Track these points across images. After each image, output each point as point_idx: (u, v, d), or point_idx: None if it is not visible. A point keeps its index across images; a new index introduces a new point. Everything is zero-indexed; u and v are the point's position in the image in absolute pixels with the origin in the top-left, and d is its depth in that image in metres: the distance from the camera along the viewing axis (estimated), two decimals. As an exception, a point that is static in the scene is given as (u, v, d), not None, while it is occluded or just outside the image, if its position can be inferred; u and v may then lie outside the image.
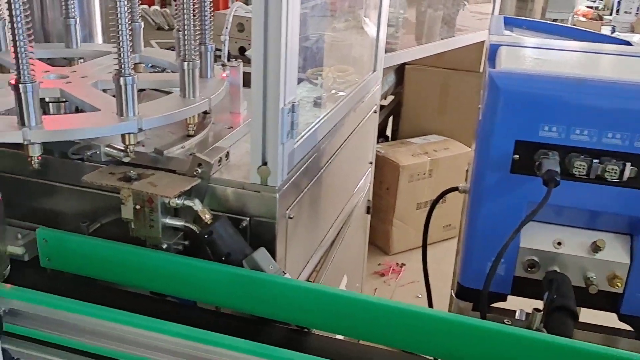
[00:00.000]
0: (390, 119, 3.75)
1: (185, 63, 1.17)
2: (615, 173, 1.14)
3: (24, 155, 1.04)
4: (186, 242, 1.18)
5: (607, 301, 1.27)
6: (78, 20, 1.49)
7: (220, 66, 1.39)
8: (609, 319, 1.31)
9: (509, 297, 1.35)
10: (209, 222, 1.11)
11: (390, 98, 3.62)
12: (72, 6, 1.47)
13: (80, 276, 1.17)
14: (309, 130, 1.34)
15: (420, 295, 2.89)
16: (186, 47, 1.17)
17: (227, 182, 1.16)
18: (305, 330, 1.09)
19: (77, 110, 1.24)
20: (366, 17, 2.05)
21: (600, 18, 8.76)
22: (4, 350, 1.02)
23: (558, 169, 1.14)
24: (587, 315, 1.32)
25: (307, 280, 1.44)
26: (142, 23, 1.47)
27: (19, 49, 0.96)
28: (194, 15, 1.18)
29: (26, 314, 1.00)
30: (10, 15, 0.95)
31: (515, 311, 1.41)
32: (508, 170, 1.21)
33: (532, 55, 1.41)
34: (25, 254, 1.20)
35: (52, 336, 0.99)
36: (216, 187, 1.16)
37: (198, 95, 1.19)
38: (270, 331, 1.08)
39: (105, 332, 0.97)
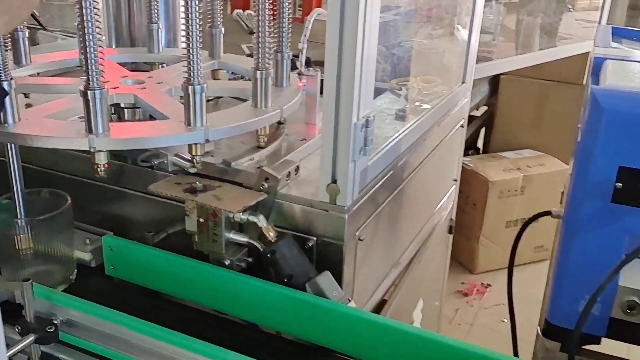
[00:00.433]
0: (482, 131, 3.58)
1: (258, 71, 1.12)
2: None
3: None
4: (250, 259, 1.13)
5: None
6: (161, 25, 1.49)
7: (298, 75, 1.33)
8: None
9: (603, 340, 1.21)
10: (273, 240, 1.05)
11: (483, 109, 3.45)
12: (156, 11, 1.46)
13: (145, 287, 1.15)
14: (387, 146, 1.26)
15: (505, 320, 2.73)
16: (260, 55, 1.12)
17: (294, 198, 1.09)
18: (368, 364, 1.01)
19: (151, 116, 1.22)
20: (458, 24, 1.93)
21: None
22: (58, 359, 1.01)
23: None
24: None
25: (378, 304, 1.36)
26: (223, 28, 1.43)
27: (88, 55, 0.94)
28: (273, 21, 1.13)
29: (82, 325, 0.98)
30: (81, 20, 0.93)
31: (609, 355, 1.27)
32: (609, 199, 1.07)
33: (642, 72, 1.26)
34: (93, 260, 1.19)
35: (106, 350, 0.97)
36: (283, 203, 1.10)
37: (270, 105, 1.14)
38: (330, 362, 1.01)
39: (159, 352, 0.93)
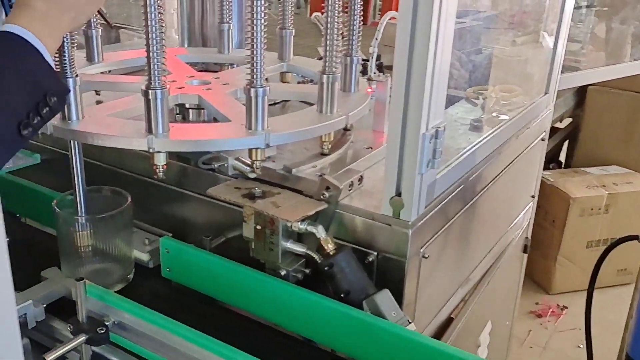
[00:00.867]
0: (565, 144, 3.39)
1: (325, 75, 1.07)
2: None
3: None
4: (307, 271, 1.08)
5: None
6: (233, 25, 1.47)
7: (367, 80, 1.28)
8: None
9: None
10: (331, 253, 1.00)
11: (567, 121, 3.27)
12: (228, 11, 1.44)
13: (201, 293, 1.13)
14: (458, 158, 1.18)
15: (581, 346, 2.57)
16: (328, 58, 1.07)
17: (356, 210, 1.04)
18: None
19: (215, 118, 1.20)
20: (544, 31, 1.82)
21: None
22: (109, 360, 1.00)
23: None
24: None
25: (443, 324, 1.28)
26: (293, 30, 1.40)
27: (151, 54, 0.92)
28: (344, 24, 1.09)
29: (133, 329, 0.96)
30: (145, 19, 0.91)
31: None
32: None
33: None
34: (150, 261, 1.18)
35: (156, 356, 0.95)
36: (344, 214, 1.05)
37: (336, 111, 1.09)
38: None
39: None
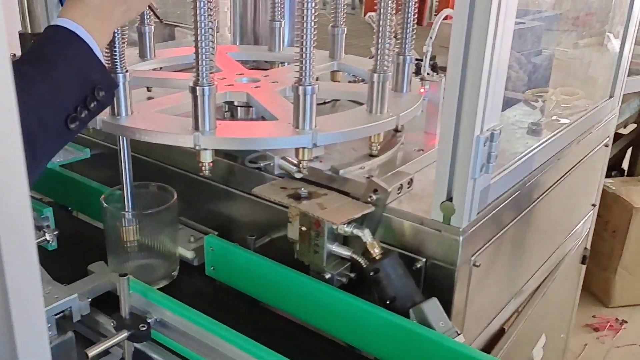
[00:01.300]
0: (629, 151, 3.24)
1: (375, 74, 1.04)
2: None
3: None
4: (352, 275, 1.05)
5: None
6: (284, 23, 1.45)
7: (420, 80, 1.24)
8: None
9: None
10: (377, 258, 0.97)
11: (632, 127, 3.12)
12: (280, 9, 1.43)
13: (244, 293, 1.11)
14: (515, 163, 1.13)
15: (641, 363, 2.45)
16: (379, 56, 1.03)
17: (404, 214, 1.00)
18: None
19: (263, 117, 1.18)
20: (610, 32, 1.73)
21: None
22: (151, 358, 0.99)
23: None
24: None
25: (494, 336, 1.22)
26: (345, 28, 1.37)
27: (199, 50, 0.91)
28: (397, 23, 1.05)
29: (175, 328, 0.95)
30: (194, 15, 0.90)
31: None
32: None
33: None
34: (195, 259, 1.17)
35: (197, 356, 0.93)
36: (392, 218, 1.01)
37: (386, 111, 1.06)
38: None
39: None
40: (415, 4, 1.10)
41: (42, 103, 0.78)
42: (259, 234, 1.14)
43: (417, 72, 1.31)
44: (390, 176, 1.05)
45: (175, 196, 1.10)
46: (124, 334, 0.94)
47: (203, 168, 0.99)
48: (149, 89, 1.27)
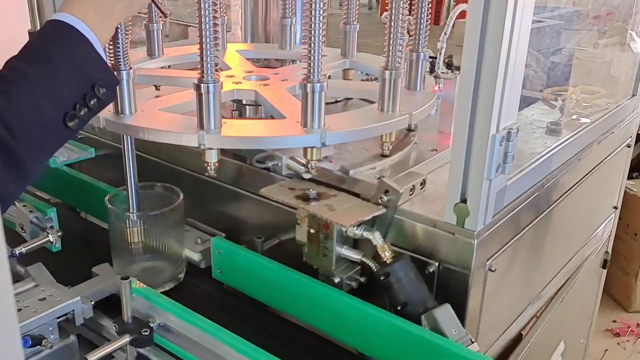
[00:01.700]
0: (651, 152, 3.17)
1: (387, 72, 1.00)
2: None
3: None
4: (362, 279, 1.01)
5: None
6: (295, 20, 1.42)
7: (434, 78, 1.20)
8: None
9: None
10: (388, 261, 0.93)
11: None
12: (290, 6, 1.40)
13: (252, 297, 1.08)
14: (533, 163, 1.08)
15: (663, 370, 2.38)
16: (391, 53, 1.00)
17: (416, 216, 0.96)
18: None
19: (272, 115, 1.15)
20: (632, 30, 1.68)
21: None
22: (152, 363, 0.96)
23: None
24: None
25: (511, 342, 1.18)
26: (358, 25, 1.33)
27: (204, 46, 0.88)
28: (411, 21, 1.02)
29: (178, 332, 0.92)
30: (199, 12, 0.87)
31: None
32: None
33: None
34: (202, 261, 1.14)
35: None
36: (403, 220, 0.97)
37: (398, 110, 1.02)
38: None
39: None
40: (429, 1, 1.06)
41: (39, 100, 0.75)
42: (267, 235, 1.11)
43: (432, 70, 1.27)
44: (402, 177, 1.01)
45: (181, 197, 1.08)
46: (126, 339, 0.91)
47: (208, 168, 0.95)
48: (157, 88, 1.25)
